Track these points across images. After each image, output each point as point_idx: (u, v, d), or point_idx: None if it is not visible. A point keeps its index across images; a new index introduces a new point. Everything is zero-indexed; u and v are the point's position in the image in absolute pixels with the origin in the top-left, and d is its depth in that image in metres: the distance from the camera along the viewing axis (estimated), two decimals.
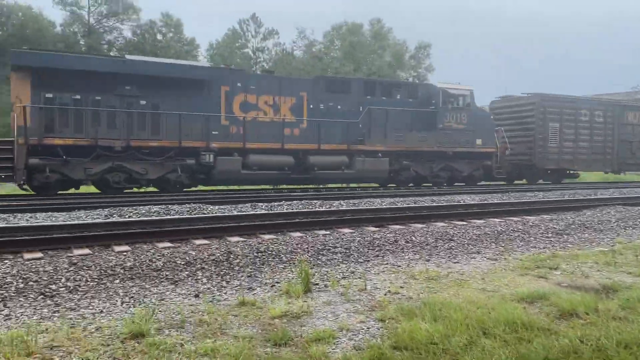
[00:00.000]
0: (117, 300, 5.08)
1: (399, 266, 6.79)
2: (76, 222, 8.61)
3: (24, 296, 5.09)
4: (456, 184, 20.82)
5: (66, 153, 13.86)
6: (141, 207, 10.59)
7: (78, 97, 14.22)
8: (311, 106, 17.65)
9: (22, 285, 5.27)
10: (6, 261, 5.91)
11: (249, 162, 16.16)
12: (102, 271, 5.81)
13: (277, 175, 16.95)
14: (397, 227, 9.02)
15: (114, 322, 4.30)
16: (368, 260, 7.06)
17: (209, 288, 5.61)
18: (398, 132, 18.76)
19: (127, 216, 9.59)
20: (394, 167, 18.95)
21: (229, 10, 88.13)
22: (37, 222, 8.63)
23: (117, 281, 5.66)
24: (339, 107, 18.05)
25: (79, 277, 5.61)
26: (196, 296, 5.29)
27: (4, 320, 4.44)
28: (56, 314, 4.59)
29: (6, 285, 5.23)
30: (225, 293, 5.43)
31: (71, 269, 5.78)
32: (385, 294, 5.33)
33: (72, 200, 12.36)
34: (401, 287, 5.62)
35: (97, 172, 14.41)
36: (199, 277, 5.97)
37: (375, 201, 13.31)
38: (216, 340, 3.83)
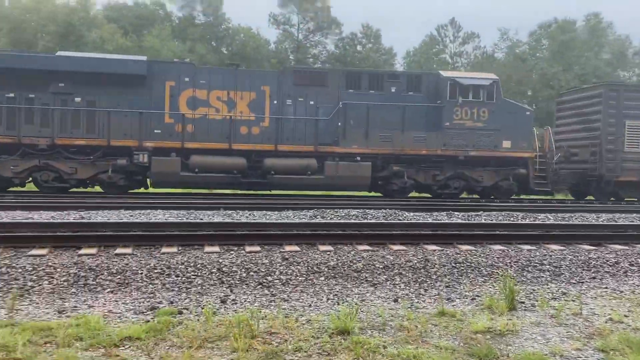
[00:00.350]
0: (322, 297, 5.45)
1: (622, 292, 5.96)
2: (286, 220, 9.50)
3: (246, 284, 5.79)
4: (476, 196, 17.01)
5: None
6: (341, 209, 11.20)
7: (12, 95, 14.17)
8: (275, 102, 15.43)
9: (244, 275, 6.02)
10: (232, 252, 6.80)
11: (190, 164, 14.59)
12: (309, 268, 6.30)
13: (225, 179, 14.98)
14: (618, 247, 7.91)
15: (322, 317, 4.63)
16: (582, 282, 6.36)
17: (407, 294, 5.66)
18: (385, 132, 15.54)
19: (328, 218, 10.25)
20: (382, 174, 15.80)
21: (427, 17, 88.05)
22: (255, 220, 9.76)
23: (322, 278, 6.08)
24: (311, 102, 15.51)
25: (290, 271, 6.18)
26: (395, 301, 5.39)
27: (232, 304, 5.11)
28: (272, 304, 5.13)
29: (232, 274, 6.02)
30: (424, 301, 5.42)
31: (283, 263, 6.39)
32: (605, 322, 4.72)
33: (281, 201, 13.68)
34: (625, 316, 4.92)
35: (23, 170, 14.24)
36: (396, 282, 6.08)
37: (590, 216, 11.89)
38: (418, 347, 3.85)
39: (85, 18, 37.44)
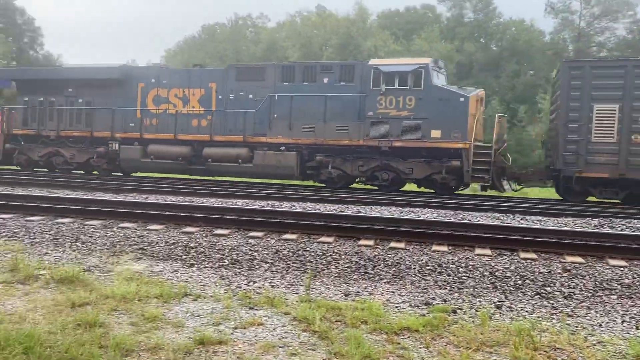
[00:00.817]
0: (616, 317, 4.75)
1: None
2: (564, 228, 8.61)
3: (522, 292, 5.46)
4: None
5: (25, 140, 19.54)
6: (636, 220, 9.58)
7: (41, 99, 19.15)
8: (220, 97, 17.13)
9: (519, 282, 5.68)
10: (505, 257, 6.50)
11: (148, 151, 17.72)
12: (597, 283, 5.57)
13: (174, 165, 17.78)
14: None
15: (616, 340, 4.03)
16: None
17: None
18: (308, 123, 15.89)
19: (619, 229, 8.88)
20: (310, 164, 16.22)
21: None
22: (527, 225, 9.13)
23: (614, 297, 5.30)
24: (250, 96, 16.70)
25: (573, 284, 5.57)
26: None
27: (507, 311, 4.89)
28: (553, 317, 4.70)
29: (506, 279, 5.75)
30: None
31: (564, 274, 5.81)
32: None
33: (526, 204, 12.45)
34: None
35: (43, 154, 19.30)
36: None
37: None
38: None
39: (362, 29, 41.04)
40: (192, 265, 6.32)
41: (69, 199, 10.78)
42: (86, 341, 3.51)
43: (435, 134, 14.62)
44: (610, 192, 13.76)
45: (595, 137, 13.44)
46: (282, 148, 16.38)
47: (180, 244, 7.19)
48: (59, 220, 8.46)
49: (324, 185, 16.65)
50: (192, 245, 7.12)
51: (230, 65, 18.57)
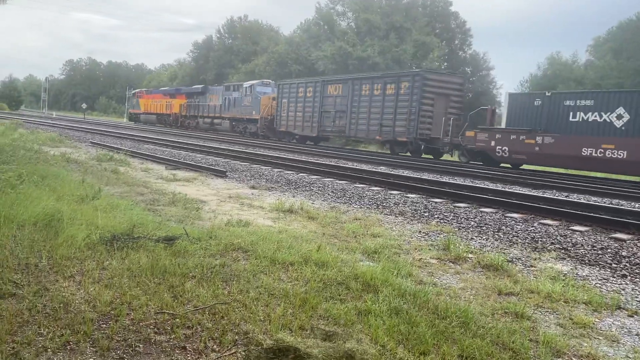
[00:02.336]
0: None
1: None
2: None
3: None
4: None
5: None
6: None
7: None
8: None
9: None
10: None
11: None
12: None
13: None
14: None
15: None
16: None
17: None
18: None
19: None
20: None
21: None
22: None
23: None
24: None
25: None
26: None
27: None
28: None
29: None
30: None
31: None
32: None
33: None
34: None
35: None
36: None
37: None
38: None
39: None
40: (624, 276, 5.59)
41: (490, 190, 11.33)
42: (516, 331, 3.58)
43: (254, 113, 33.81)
44: None
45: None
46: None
47: (609, 250, 6.49)
48: (483, 209, 9.00)
49: None
50: (624, 254, 6.31)
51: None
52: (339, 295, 4.10)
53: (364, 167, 16.85)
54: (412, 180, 12.71)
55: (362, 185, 11.54)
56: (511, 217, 8.33)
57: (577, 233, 7.35)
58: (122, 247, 4.82)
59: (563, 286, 4.86)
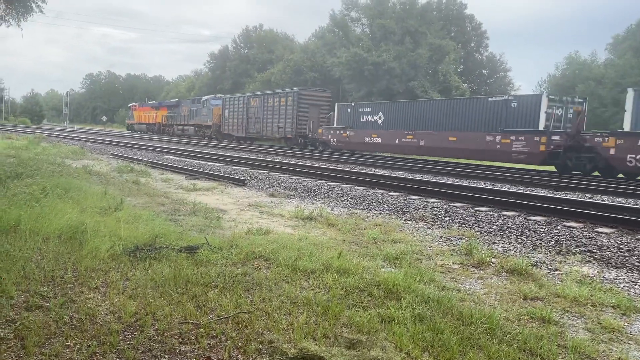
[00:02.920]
0: None
1: None
2: None
3: None
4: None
5: None
6: None
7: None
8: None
9: None
10: None
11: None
12: None
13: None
14: None
15: None
16: None
17: None
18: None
19: None
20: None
21: None
22: None
23: None
24: None
25: None
26: None
27: None
28: None
29: None
30: None
31: None
32: None
33: None
34: None
35: None
36: None
37: None
38: None
39: None
40: None
41: (512, 193, 11.19)
42: (543, 336, 3.51)
43: (208, 120, 45.06)
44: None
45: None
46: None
47: (636, 252, 6.34)
48: (504, 212, 8.89)
49: None
50: None
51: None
52: (362, 303, 4.08)
53: (382, 172, 16.79)
54: (432, 185, 12.62)
55: (381, 191, 11.49)
56: (534, 220, 8.20)
57: (602, 235, 7.20)
58: (145, 258, 4.87)
59: (590, 290, 4.76)
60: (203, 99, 46.37)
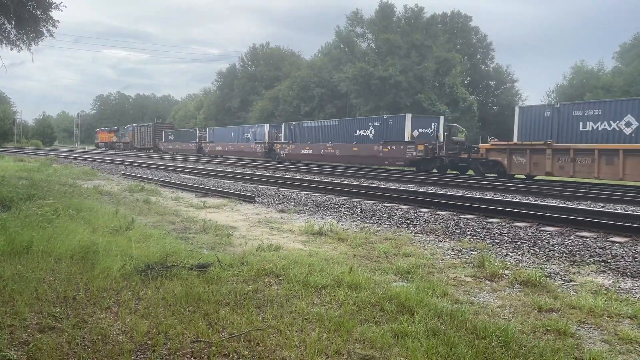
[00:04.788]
0: None
1: None
2: None
3: None
4: None
5: None
6: None
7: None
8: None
9: None
10: None
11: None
12: None
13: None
14: None
15: None
16: None
17: None
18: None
19: None
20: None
21: None
22: None
23: None
24: None
25: None
26: None
27: None
28: None
29: None
30: None
31: None
32: None
33: None
34: None
35: None
36: None
37: None
38: None
39: None
40: None
41: (523, 204, 11.10)
42: (560, 349, 3.45)
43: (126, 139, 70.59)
44: None
45: None
46: None
47: None
48: (516, 223, 8.81)
49: None
50: None
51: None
52: (374, 318, 4.04)
53: (392, 185, 16.76)
54: (441, 197, 12.57)
55: (390, 205, 11.46)
56: (546, 231, 8.13)
57: (616, 244, 7.11)
58: (157, 277, 4.88)
59: (605, 300, 4.69)
60: (125, 126, 73.43)
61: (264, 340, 3.50)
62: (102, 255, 5.45)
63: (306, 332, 3.68)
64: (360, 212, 10.42)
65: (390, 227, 8.88)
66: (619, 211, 10.21)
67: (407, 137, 26.94)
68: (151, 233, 7.07)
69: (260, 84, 69.98)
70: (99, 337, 3.49)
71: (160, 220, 8.96)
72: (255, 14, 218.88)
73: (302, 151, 35.51)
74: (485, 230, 8.40)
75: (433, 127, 27.82)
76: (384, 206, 11.25)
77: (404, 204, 11.46)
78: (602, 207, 11.47)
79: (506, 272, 5.78)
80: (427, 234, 8.19)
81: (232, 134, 46.52)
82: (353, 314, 4.09)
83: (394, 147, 27.30)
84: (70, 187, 13.58)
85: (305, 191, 14.28)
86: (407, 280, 5.32)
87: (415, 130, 27.24)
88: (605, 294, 4.97)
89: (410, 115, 27.98)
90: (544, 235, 7.83)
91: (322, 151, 33.41)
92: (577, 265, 6.23)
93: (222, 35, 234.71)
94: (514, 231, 8.21)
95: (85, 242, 5.93)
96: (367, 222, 9.33)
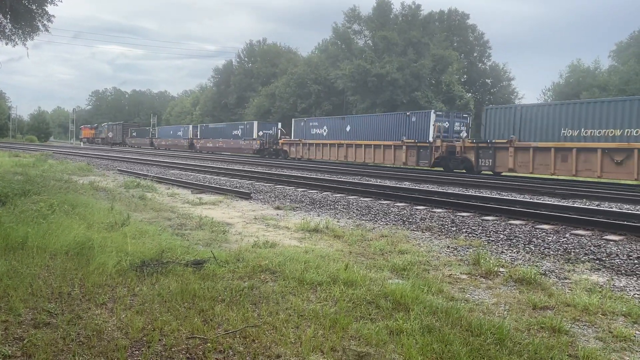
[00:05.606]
0: None
1: None
2: None
3: None
4: None
5: None
6: None
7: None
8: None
9: None
10: None
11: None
12: None
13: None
14: None
15: None
16: None
17: None
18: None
19: None
20: None
21: None
22: None
23: None
24: None
25: None
26: None
27: None
28: None
29: None
30: None
31: None
32: None
33: None
34: None
35: None
36: None
37: None
38: None
39: None
40: None
41: (518, 202, 11.14)
42: (554, 346, 3.47)
43: (102, 135, 78.91)
44: None
45: None
46: None
47: None
48: (512, 221, 8.84)
49: None
50: None
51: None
52: (369, 315, 4.05)
53: (388, 182, 16.77)
54: (437, 195, 12.59)
55: (387, 202, 11.47)
56: (541, 229, 8.15)
57: (611, 242, 7.15)
58: (152, 273, 4.87)
59: (600, 298, 4.71)
60: (102, 124, 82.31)
61: (260, 336, 3.51)
62: (98, 251, 5.44)
63: (302, 329, 3.68)
64: (357, 210, 10.43)
65: (386, 224, 8.89)
66: (614, 209, 10.25)
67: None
68: (147, 229, 7.05)
69: (257, 81, 69.84)
70: (94, 333, 3.49)
71: (156, 216, 8.94)
72: (252, 10, 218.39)
73: (209, 144, 48.99)
74: (480, 228, 8.42)
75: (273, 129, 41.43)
76: (380, 203, 11.26)
77: (401, 201, 11.48)
78: (597, 205, 11.52)
79: (501, 269, 5.80)
80: (422, 232, 8.21)
81: (171, 132, 60.68)
82: (348, 310, 4.10)
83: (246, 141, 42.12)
84: (65, 182, 13.53)
85: (302, 188, 14.27)
86: (403, 277, 5.33)
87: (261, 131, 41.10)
88: (600, 291, 4.99)
89: (256, 122, 42.23)
90: (540, 233, 7.85)
91: (216, 145, 47.78)
92: (572, 263, 6.26)
93: (219, 31, 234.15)
94: (510, 229, 8.23)
95: (81, 238, 5.91)
96: (363, 220, 9.34)
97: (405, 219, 9.32)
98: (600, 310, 4.43)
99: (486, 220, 9.09)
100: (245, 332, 3.57)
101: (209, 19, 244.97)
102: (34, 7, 13.45)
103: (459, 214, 9.77)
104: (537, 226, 8.38)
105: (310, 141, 34.71)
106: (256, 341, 3.44)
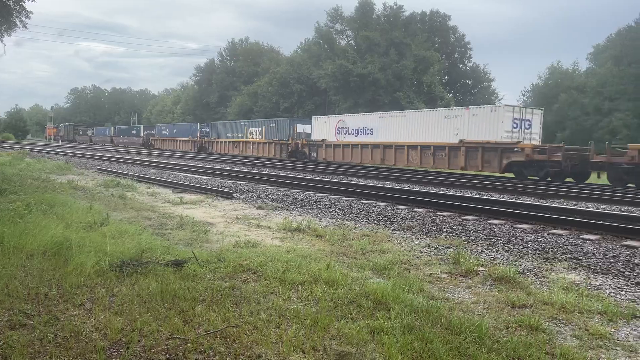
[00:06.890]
0: None
1: None
2: None
3: None
4: None
5: None
6: None
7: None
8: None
9: None
10: None
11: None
12: None
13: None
14: None
15: None
16: None
17: None
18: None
19: None
20: None
21: None
22: None
23: None
24: None
25: None
26: None
27: None
28: None
29: None
30: None
31: None
32: None
33: None
34: None
35: None
36: None
37: None
38: None
39: None
40: (638, 284, 5.51)
41: (498, 202, 11.28)
42: (532, 344, 3.52)
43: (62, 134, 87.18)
44: None
45: None
46: None
47: (621, 258, 6.42)
48: (491, 221, 8.95)
49: None
50: (636, 261, 6.24)
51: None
52: (351, 314, 4.06)
53: (370, 182, 16.84)
54: (419, 195, 12.69)
55: (369, 202, 11.52)
56: (520, 228, 8.27)
57: (587, 242, 7.29)
58: (132, 273, 4.82)
59: (577, 296, 4.80)
60: (60, 125, 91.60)
61: (240, 336, 3.49)
62: (76, 251, 5.35)
63: (283, 329, 3.67)
64: (339, 209, 10.45)
65: (368, 223, 8.93)
66: (591, 209, 10.45)
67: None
68: (126, 229, 6.97)
69: (239, 80, 69.50)
70: (72, 334, 3.43)
71: (136, 216, 8.84)
72: (235, 8, 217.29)
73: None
74: (461, 227, 8.51)
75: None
76: (362, 203, 11.30)
77: (382, 201, 11.53)
78: (574, 205, 11.73)
79: (481, 268, 5.87)
80: (404, 231, 8.26)
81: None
82: (330, 310, 4.11)
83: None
84: (43, 181, 13.29)
85: (284, 187, 14.25)
86: (384, 276, 5.36)
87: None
88: (577, 290, 5.08)
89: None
90: (518, 233, 7.97)
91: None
92: (549, 262, 6.36)
93: (201, 30, 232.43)
94: (489, 228, 8.34)
95: (59, 237, 5.82)
96: (345, 219, 9.36)
97: (386, 218, 9.38)
98: (577, 308, 4.51)
99: (466, 219, 9.19)
100: (226, 332, 3.55)
101: (191, 16, 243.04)
102: (11, 3, 13.19)
103: (439, 213, 9.86)
104: (516, 225, 8.50)
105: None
106: (237, 341, 3.43)
